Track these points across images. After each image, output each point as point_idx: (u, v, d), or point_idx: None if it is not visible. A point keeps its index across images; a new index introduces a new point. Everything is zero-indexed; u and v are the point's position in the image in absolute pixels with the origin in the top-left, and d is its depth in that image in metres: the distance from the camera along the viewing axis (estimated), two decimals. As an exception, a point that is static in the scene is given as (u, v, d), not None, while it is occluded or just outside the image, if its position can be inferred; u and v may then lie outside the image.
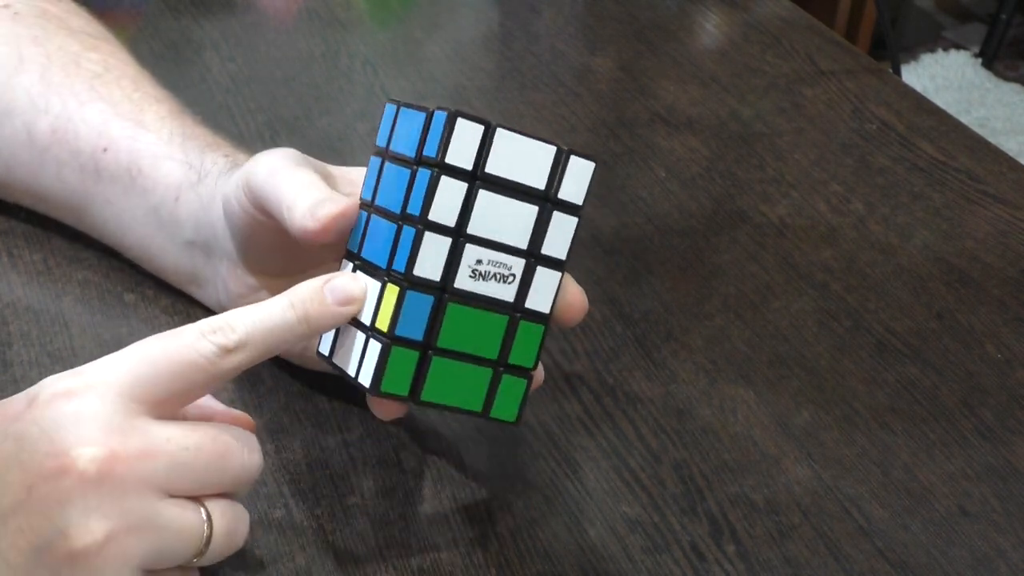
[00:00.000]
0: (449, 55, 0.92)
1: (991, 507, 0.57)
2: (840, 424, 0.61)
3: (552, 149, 0.48)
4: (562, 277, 0.50)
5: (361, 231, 0.50)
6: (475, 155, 0.47)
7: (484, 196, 0.47)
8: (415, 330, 0.48)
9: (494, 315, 0.49)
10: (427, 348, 0.48)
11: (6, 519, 0.43)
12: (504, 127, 0.47)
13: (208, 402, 0.50)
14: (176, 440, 0.45)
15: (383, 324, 0.48)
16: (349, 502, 0.54)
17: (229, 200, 0.55)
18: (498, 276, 0.49)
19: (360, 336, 0.49)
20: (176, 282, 0.63)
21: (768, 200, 0.77)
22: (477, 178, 0.47)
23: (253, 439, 0.48)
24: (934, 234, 0.75)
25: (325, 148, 0.79)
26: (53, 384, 0.45)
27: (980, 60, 2.72)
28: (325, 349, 0.51)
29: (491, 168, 0.47)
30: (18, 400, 0.45)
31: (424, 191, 0.47)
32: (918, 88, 1.44)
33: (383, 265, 0.48)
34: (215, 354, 0.46)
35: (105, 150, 0.62)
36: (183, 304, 0.64)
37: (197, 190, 0.60)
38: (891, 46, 1.00)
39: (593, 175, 0.49)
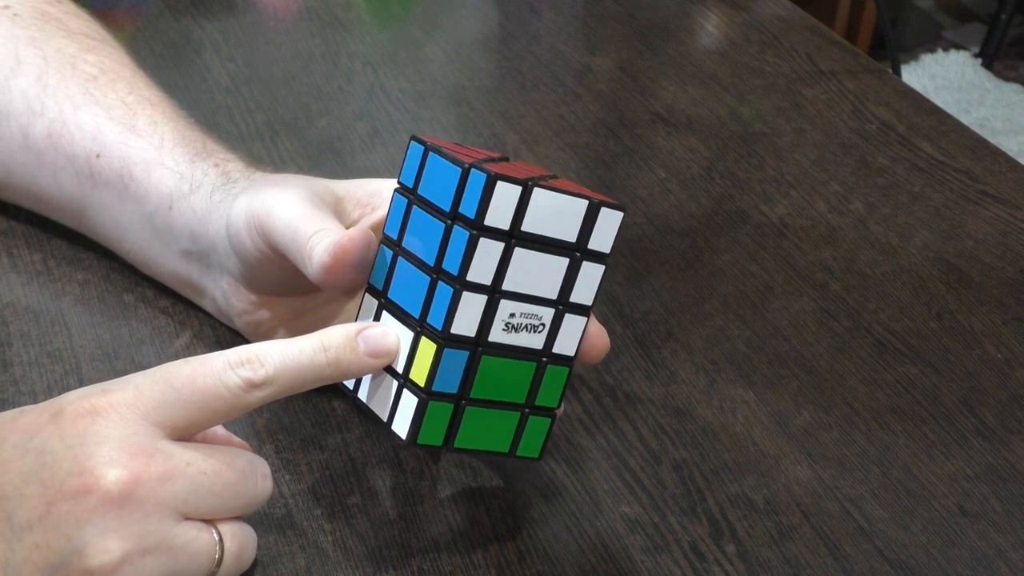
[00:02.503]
0: (449, 55, 0.92)
1: (991, 507, 0.57)
2: (840, 424, 0.61)
3: (584, 203, 0.49)
4: (587, 321, 0.51)
5: (386, 270, 0.50)
6: (512, 216, 0.48)
7: (519, 253, 0.48)
8: (451, 384, 0.49)
9: (523, 363, 0.50)
10: (461, 399, 0.49)
11: (22, 534, 0.43)
12: (540, 185, 0.48)
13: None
14: (196, 465, 0.45)
15: (419, 378, 0.48)
16: (349, 502, 0.54)
17: (239, 234, 0.55)
18: (529, 327, 0.50)
19: (391, 382, 0.49)
20: (175, 288, 0.63)
21: (768, 200, 0.77)
22: (514, 237, 0.48)
23: (265, 465, 0.48)
24: (934, 234, 0.75)
25: (325, 148, 0.79)
26: (78, 401, 0.45)
27: (980, 60, 2.72)
28: (349, 383, 0.51)
29: (527, 227, 0.48)
30: (37, 412, 0.45)
31: (462, 251, 0.47)
32: (918, 88, 1.44)
33: (416, 315, 0.49)
34: (240, 388, 0.46)
35: (99, 156, 0.62)
36: (183, 305, 0.64)
37: (190, 202, 0.59)
38: (891, 46, 1.00)
39: (621, 223, 0.50)
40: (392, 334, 0.49)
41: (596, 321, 0.52)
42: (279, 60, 0.89)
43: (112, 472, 0.43)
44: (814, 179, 0.80)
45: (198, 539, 0.45)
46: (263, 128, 0.80)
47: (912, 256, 0.73)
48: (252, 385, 0.46)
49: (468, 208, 0.47)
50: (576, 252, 0.49)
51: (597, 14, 1.00)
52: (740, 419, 0.61)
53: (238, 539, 0.47)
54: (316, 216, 0.52)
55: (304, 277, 0.52)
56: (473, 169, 0.47)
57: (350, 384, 0.51)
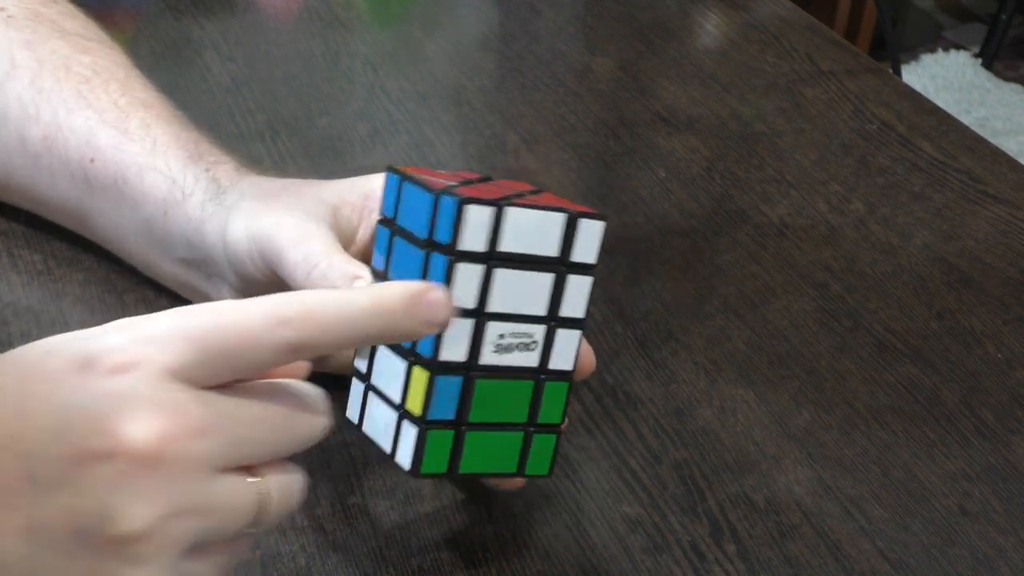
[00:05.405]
0: (449, 55, 0.92)
1: (991, 507, 0.57)
2: (840, 424, 0.61)
3: (561, 218, 0.48)
4: (582, 334, 0.50)
5: None
6: (488, 238, 0.47)
7: (500, 274, 0.47)
8: (447, 411, 0.48)
9: (520, 382, 0.49)
10: (460, 425, 0.48)
11: (49, 493, 0.40)
12: (513, 205, 0.47)
13: None
14: (234, 414, 0.42)
15: (415, 407, 0.48)
16: (349, 502, 0.54)
17: (238, 256, 0.55)
18: (521, 346, 0.49)
19: (390, 413, 0.49)
20: (180, 292, 0.63)
21: (768, 200, 0.77)
22: (492, 258, 0.47)
23: (319, 396, 0.45)
24: (934, 234, 0.75)
25: (325, 148, 0.79)
26: (108, 353, 0.41)
27: (980, 60, 2.72)
28: (353, 416, 0.51)
29: (504, 247, 0.47)
30: (65, 359, 0.42)
31: (442, 278, 0.46)
32: (918, 88, 1.44)
33: (406, 344, 0.48)
34: (282, 351, 0.42)
35: (92, 160, 0.62)
36: (182, 306, 0.63)
37: (184, 209, 0.59)
38: (891, 46, 1.01)
39: (603, 233, 0.50)
40: (451, 302, 0.46)
41: (584, 340, 0.51)
42: (279, 60, 0.89)
43: (139, 432, 0.40)
44: (814, 179, 0.80)
45: (236, 491, 0.42)
46: (263, 128, 0.80)
47: (912, 256, 0.73)
48: (295, 350, 0.42)
49: (442, 234, 0.47)
50: (560, 267, 0.49)
51: (597, 14, 1.00)
52: (740, 419, 0.61)
53: (282, 484, 0.43)
54: (319, 247, 0.52)
55: None
56: (443, 195, 0.46)
57: (355, 419, 0.51)
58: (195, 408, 0.41)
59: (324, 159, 0.78)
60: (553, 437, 0.51)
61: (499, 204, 0.47)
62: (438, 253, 0.47)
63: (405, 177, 0.49)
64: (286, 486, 0.43)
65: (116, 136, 0.62)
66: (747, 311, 0.68)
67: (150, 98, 0.65)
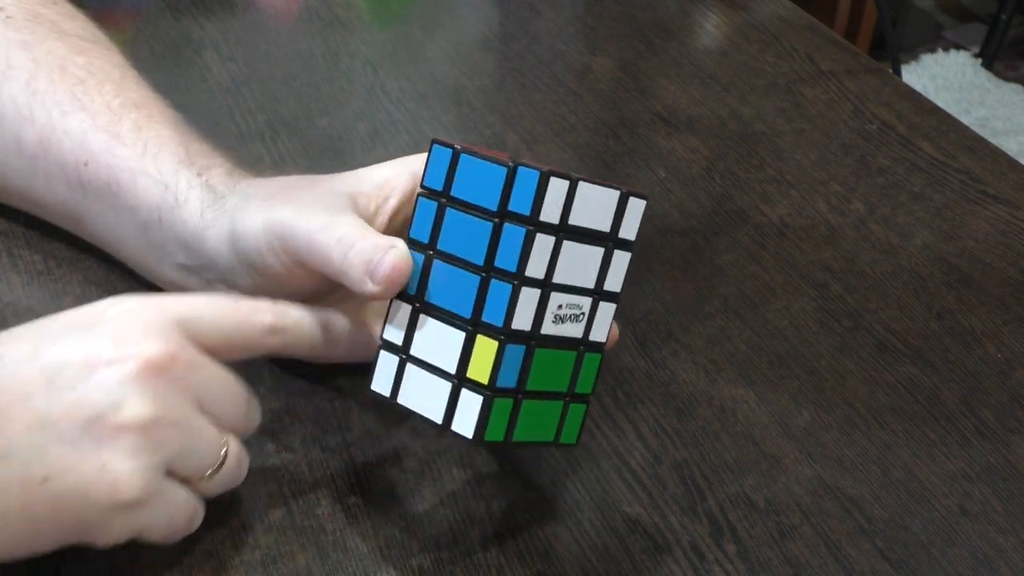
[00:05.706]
0: (449, 55, 0.92)
1: (991, 507, 0.57)
2: (840, 424, 0.61)
3: (617, 194, 0.51)
4: (616, 307, 0.52)
5: (418, 275, 0.50)
6: (562, 210, 0.49)
7: (567, 246, 0.49)
8: (510, 379, 0.49)
9: (566, 352, 0.51)
10: (518, 393, 0.50)
11: (63, 392, 0.46)
12: (583, 179, 0.49)
13: None
14: (216, 367, 0.50)
15: (480, 376, 0.49)
16: (349, 502, 0.54)
17: (258, 253, 0.55)
18: (572, 317, 0.51)
19: (441, 383, 0.49)
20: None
21: (768, 200, 0.77)
22: (561, 230, 0.49)
23: (256, 402, 0.52)
24: (934, 234, 0.75)
25: (325, 148, 0.79)
26: (121, 301, 0.49)
27: (980, 60, 2.72)
28: (383, 389, 0.51)
29: (573, 220, 0.49)
30: (81, 310, 0.49)
31: (519, 248, 0.48)
32: (918, 88, 1.44)
33: (466, 315, 0.49)
34: (264, 331, 0.51)
35: (86, 164, 0.61)
36: (183, 304, 0.64)
37: (179, 215, 0.59)
38: (891, 46, 1.01)
39: (644, 211, 0.52)
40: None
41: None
42: (279, 60, 0.89)
43: (153, 347, 0.47)
44: (814, 179, 0.80)
45: (210, 431, 0.49)
46: (263, 128, 0.80)
47: (912, 256, 0.73)
48: (272, 332, 0.51)
49: (520, 205, 0.48)
50: (609, 241, 0.51)
51: (597, 14, 1.00)
52: (740, 419, 0.61)
53: (239, 450, 0.51)
54: (349, 229, 0.53)
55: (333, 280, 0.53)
56: (522, 167, 0.48)
57: (386, 391, 0.51)
58: (192, 349, 0.49)
59: (324, 159, 0.78)
60: (583, 407, 0.53)
61: (572, 178, 0.49)
62: (513, 224, 0.48)
63: (460, 150, 0.50)
64: (239, 455, 0.51)
65: (109, 140, 0.61)
66: (747, 311, 0.68)
67: (144, 99, 0.64)
